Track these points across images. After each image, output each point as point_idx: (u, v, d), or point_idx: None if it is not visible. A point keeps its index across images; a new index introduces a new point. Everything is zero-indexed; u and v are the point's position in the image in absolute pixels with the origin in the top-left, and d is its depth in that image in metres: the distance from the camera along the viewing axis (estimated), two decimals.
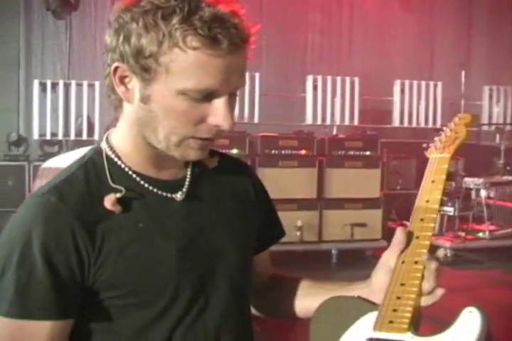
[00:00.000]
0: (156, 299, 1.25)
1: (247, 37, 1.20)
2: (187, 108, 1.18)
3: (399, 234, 1.29)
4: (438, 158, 1.44)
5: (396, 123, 9.73)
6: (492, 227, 7.47)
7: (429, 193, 1.36)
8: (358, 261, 6.84)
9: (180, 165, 1.35)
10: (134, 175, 1.28)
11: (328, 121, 9.18)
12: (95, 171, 1.27)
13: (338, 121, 9.24)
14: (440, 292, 1.24)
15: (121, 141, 1.30)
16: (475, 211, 7.54)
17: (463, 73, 9.94)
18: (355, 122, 9.43)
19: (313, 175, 6.95)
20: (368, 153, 7.27)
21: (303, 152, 7.06)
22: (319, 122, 8.97)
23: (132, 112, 1.25)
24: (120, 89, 1.22)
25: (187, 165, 1.36)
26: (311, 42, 10.68)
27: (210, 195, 1.38)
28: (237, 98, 1.28)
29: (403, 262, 1.28)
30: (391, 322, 1.20)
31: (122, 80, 1.22)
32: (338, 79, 9.31)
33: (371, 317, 1.24)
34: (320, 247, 6.94)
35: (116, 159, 1.29)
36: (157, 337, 1.27)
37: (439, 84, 9.88)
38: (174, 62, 1.16)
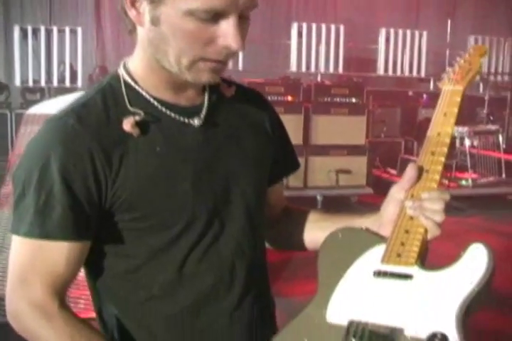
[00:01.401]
0: (173, 222, 1.26)
1: None
2: (194, 29, 1.16)
3: (410, 170, 1.27)
4: (451, 90, 1.38)
5: (380, 71, 9.69)
6: (475, 176, 7.56)
7: (441, 126, 1.32)
8: (342, 207, 6.92)
9: (197, 92, 1.34)
10: (152, 99, 1.28)
11: (312, 69, 9.14)
12: (113, 96, 1.27)
13: (322, 69, 9.18)
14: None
15: (138, 66, 1.29)
16: (458, 159, 7.59)
17: (449, 22, 9.89)
18: (340, 70, 9.37)
19: (299, 121, 6.96)
20: (353, 100, 7.28)
21: (289, 98, 7.05)
22: (304, 69, 8.93)
23: (144, 36, 1.24)
24: (132, 13, 1.22)
25: (204, 93, 1.35)
26: None
27: (228, 123, 1.37)
28: None
29: (412, 195, 1.26)
30: (399, 255, 1.20)
31: (133, 3, 1.21)
32: (324, 26, 9.23)
33: (379, 249, 1.24)
34: (305, 193, 6.99)
35: (133, 83, 1.28)
36: (172, 261, 1.28)
37: (425, 33, 9.82)
38: None
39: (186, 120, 1.30)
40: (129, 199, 1.22)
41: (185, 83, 1.27)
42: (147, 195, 1.24)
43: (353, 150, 7.17)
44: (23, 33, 8.00)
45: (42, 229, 1.19)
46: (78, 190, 1.19)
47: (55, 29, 8.18)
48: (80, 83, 8.31)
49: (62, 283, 1.24)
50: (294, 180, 6.77)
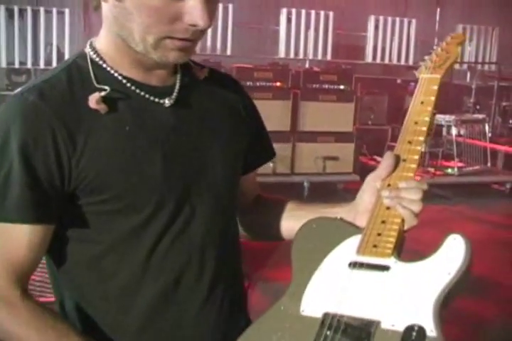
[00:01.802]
0: (140, 206, 1.20)
1: None
2: (160, 4, 1.11)
3: (388, 158, 1.24)
4: (428, 78, 1.36)
5: (369, 59, 9.69)
6: (460, 164, 7.60)
7: (418, 115, 1.30)
8: (329, 194, 6.93)
9: (169, 72, 1.28)
10: (120, 77, 1.22)
11: (300, 55, 9.13)
12: (79, 73, 1.21)
13: (311, 55, 9.17)
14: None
15: (104, 44, 1.24)
16: (444, 148, 7.62)
17: (438, 11, 9.90)
18: (328, 57, 9.36)
19: (287, 107, 6.96)
20: (342, 87, 7.28)
21: (278, 84, 7.03)
22: (292, 56, 8.91)
23: (109, 12, 1.18)
24: None
25: (176, 74, 1.30)
26: None
27: (200, 105, 1.32)
28: (210, 30, 1.21)
29: (389, 185, 1.23)
30: (375, 246, 1.17)
31: None
32: (313, 12, 9.21)
33: (354, 240, 1.21)
34: (292, 179, 7.01)
35: (100, 62, 1.22)
36: (139, 248, 1.22)
37: (413, 21, 9.83)
38: None
39: (157, 99, 1.24)
40: (94, 181, 1.16)
41: (154, 62, 1.22)
42: (114, 177, 1.17)
43: (340, 137, 7.17)
44: (9, 14, 7.89)
45: (0, 211, 1.13)
46: (38, 169, 1.13)
47: (41, 10, 8.09)
48: None
49: (24, 270, 1.17)
50: (281, 166, 6.76)
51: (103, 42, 1.24)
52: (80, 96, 1.18)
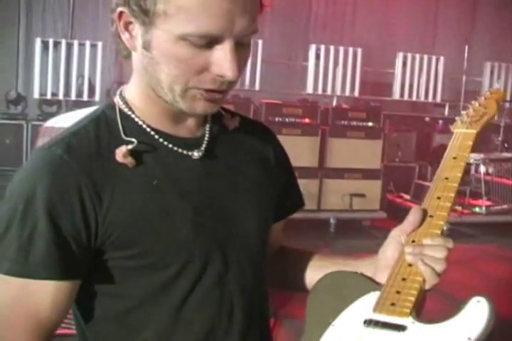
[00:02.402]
0: (169, 262, 1.17)
1: None
2: (188, 55, 1.08)
3: (414, 213, 1.20)
4: (463, 133, 1.34)
5: (396, 96, 9.72)
6: (488, 203, 7.54)
7: (450, 170, 1.27)
8: (355, 231, 6.92)
9: (198, 123, 1.26)
10: (148, 129, 1.20)
11: (328, 91, 9.18)
12: (107, 125, 1.19)
13: (338, 92, 9.23)
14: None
15: (134, 95, 1.22)
16: (472, 186, 7.59)
17: (466, 48, 9.92)
18: (356, 93, 9.42)
19: (315, 143, 6.98)
20: (370, 124, 7.29)
21: (306, 120, 7.07)
22: (320, 92, 8.96)
23: (138, 62, 1.16)
24: (125, 36, 1.14)
25: (205, 124, 1.28)
26: (315, 10, 10.61)
27: (230, 156, 1.29)
28: None
29: (413, 241, 1.18)
30: (393, 304, 1.11)
31: (127, 26, 1.13)
32: (341, 49, 9.27)
33: (373, 297, 1.15)
34: (319, 216, 6.97)
35: (129, 113, 1.21)
36: (169, 303, 1.19)
37: (441, 58, 9.86)
38: (172, 3, 1.05)
39: (185, 152, 1.21)
40: (121, 237, 1.13)
41: (184, 113, 1.20)
42: (141, 233, 1.14)
43: (367, 174, 7.17)
44: (44, 46, 8.07)
45: (24, 267, 1.09)
46: (64, 227, 1.09)
47: (75, 43, 8.25)
48: (97, 97, 8.37)
49: (47, 328, 1.13)
50: (308, 202, 6.64)
51: (133, 92, 1.23)
52: (107, 150, 1.15)
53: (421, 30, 10.89)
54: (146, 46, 1.12)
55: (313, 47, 8.85)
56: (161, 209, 1.16)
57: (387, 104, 9.26)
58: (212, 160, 1.25)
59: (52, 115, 7.12)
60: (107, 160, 1.14)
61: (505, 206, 7.64)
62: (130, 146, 1.15)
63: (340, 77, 9.22)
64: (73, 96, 8.27)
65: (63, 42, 8.16)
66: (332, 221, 6.84)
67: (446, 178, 1.26)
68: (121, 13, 1.12)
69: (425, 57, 9.83)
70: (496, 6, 11.24)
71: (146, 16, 1.08)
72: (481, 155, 7.41)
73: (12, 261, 1.09)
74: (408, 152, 8.24)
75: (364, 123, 7.26)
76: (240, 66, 1.11)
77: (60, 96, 8.19)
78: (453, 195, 1.24)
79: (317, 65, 8.81)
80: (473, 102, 1.43)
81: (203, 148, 1.24)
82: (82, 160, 1.12)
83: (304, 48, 9.27)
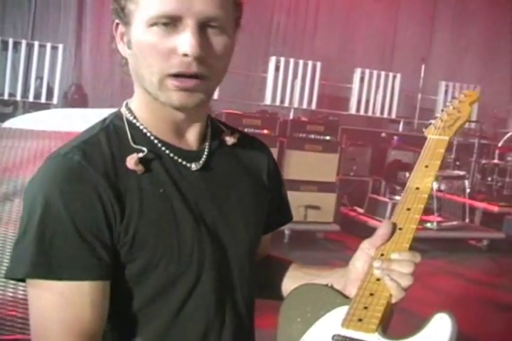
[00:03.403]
0: (169, 268, 1.21)
1: None
2: (157, 40, 1.15)
3: (384, 227, 1.22)
4: (436, 139, 1.32)
5: (353, 110, 9.87)
6: (439, 219, 7.68)
7: (421, 179, 1.27)
8: (309, 243, 6.99)
9: (198, 137, 1.31)
10: (152, 138, 1.25)
11: (286, 103, 9.27)
12: (116, 134, 1.24)
13: (296, 104, 9.33)
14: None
15: (137, 105, 1.28)
16: None
17: (423, 67, 10.13)
18: (313, 106, 9.53)
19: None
20: (328, 137, 7.38)
21: (265, 132, 7.12)
22: (278, 103, 9.06)
23: (130, 67, 1.24)
24: (120, 45, 1.24)
25: (206, 139, 1.33)
26: (276, 23, 10.72)
27: (226, 170, 1.35)
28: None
29: (382, 255, 1.19)
30: (360, 320, 1.12)
31: (122, 37, 1.23)
32: (301, 62, 9.38)
33: (341, 311, 1.16)
34: None
35: (135, 122, 1.26)
36: (169, 305, 1.23)
37: (398, 75, 10.04)
38: None
39: (185, 163, 1.27)
40: (130, 240, 1.17)
41: (184, 124, 1.27)
42: (147, 237, 1.18)
43: (323, 186, 7.24)
44: (4, 46, 7.96)
45: (48, 269, 1.11)
46: (88, 229, 1.12)
47: (36, 44, 8.17)
48: (55, 100, 8.29)
49: (92, 333, 1.14)
50: None
51: (136, 103, 1.29)
52: (119, 157, 1.20)
53: (380, 47, 11.10)
54: (129, 45, 1.21)
55: (273, 59, 8.94)
56: (166, 217, 1.21)
57: (342, 117, 9.39)
58: (210, 173, 1.30)
59: (7, 115, 7.05)
60: (118, 167, 1.19)
61: (455, 222, 7.80)
62: (141, 154, 1.20)
63: (298, 90, 9.33)
64: (31, 98, 8.17)
65: (23, 42, 8.07)
66: (286, 232, 6.90)
67: (417, 188, 1.26)
68: (117, 24, 1.23)
69: (382, 73, 10.00)
70: (452, 31, 11.54)
71: (125, 15, 1.19)
72: None
73: (33, 264, 1.10)
74: (363, 166, 8.36)
75: (322, 137, 7.34)
76: (212, 49, 1.17)
77: (18, 97, 8.09)
78: (422, 206, 1.23)
79: (276, 77, 8.91)
80: (448, 104, 1.41)
81: (201, 161, 1.29)
82: (99, 166, 1.16)
83: (264, 60, 9.36)
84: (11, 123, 5.73)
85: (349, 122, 9.25)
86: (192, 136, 1.30)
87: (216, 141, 1.35)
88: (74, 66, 9.43)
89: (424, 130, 1.36)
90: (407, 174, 7.75)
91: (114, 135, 1.24)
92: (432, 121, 1.37)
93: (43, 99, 8.20)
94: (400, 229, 1.21)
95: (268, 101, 8.88)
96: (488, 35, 11.81)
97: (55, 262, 1.11)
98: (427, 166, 1.28)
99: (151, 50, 1.16)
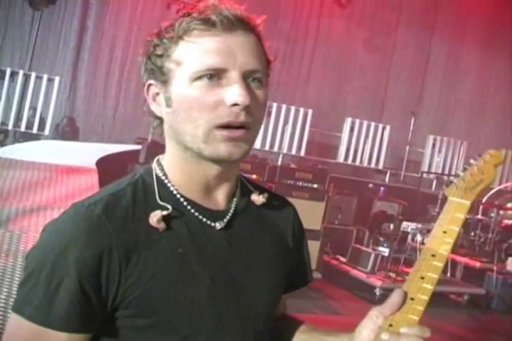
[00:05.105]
0: (178, 327, 1.20)
1: (243, 17, 1.23)
2: (201, 92, 1.18)
3: (396, 296, 1.18)
4: (457, 203, 1.26)
5: (341, 159, 9.98)
6: None
7: (438, 246, 1.22)
8: None
9: (227, 196, 1.32)
10: (178, 196, 1.26)
11: (275, 148, 9.36)
12: (144, 190, 1.25)
13: (285, 150, 9.42)
14: None
15: (168, 163, 1.29)
16: (407, 254, 7.74)
17: (412, 120, 10.29)
18: (302, 153, 9.63)
19: None
20: (315, 185, 7.42)
21: (254, 177, 7.16)
22: (267, 148, 9.14)
23: (167, 125, 1.27)
24: (153, 106, 1.27)
25: (233, 198, 1.34)
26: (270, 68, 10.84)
27: (250, 231, 1.34)
28: None
29: (391, 325, 1.16)
30: None
31: (154, 98, 1.26)
32: (292, 108, 9.51)
33: None
34: None
35: (164, 179, 1.27)
36: None
37: (388, 127, 10.19)
38: (181, 52, 1.20)
39: (210, 222, 1.26)
40: (139, 298, 1.16)
41: (214, 182, 1.28)
42: (158, 297, 1.17)
43: (308, 234, 6.92)
44: (1, 75, 8.04)
45: (46, 317, 1.12)
46: (90, 284, 1.13)
47: (33, 75, 8.24)
48: (47, 131, 8.33)
49: None
50: None
51: (167, 160, 1.30)
52: (142, 213, 1.20)
53: (371, 99, 11.25)
54: (168, 102, 1.23)
55: None
56: (181, 277, 1.20)
57: (329, 165, 9.46)
58: (233, 233, 1.30)
59: None
60: (140, 223, 1.19)
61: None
62: (165, 212, 1.21)
63: (288, 136, 9.42)
64: (23, 128, 8.21)
65: (20, 72, 8.14)
66: None
67: (433, 255, 1.21)
68: (149, 85, 1.27)
69: (372, 124, 10.15)
70: (442, 86, 11.75)
71: (164, 74, 1.23)
72: (419, 225, 7.60)
73: (36, 308, 1.12)
74: (348, 215, 8.37)
75: (310, 185, 7.39)
76: (255, 100, 1.21)
77: (10, 126, 8.13)
78: (437, 276, 1.19)
79: (267, 122, 8.99)
80: (472, 162, 1.33)
81: (226, 220, 1.29)
82: (118, 222, 1.17)
83: None
84: (0, 152, 5.75)
85: (334, 170, 9.31)
86: (221, 195, 1.31)
87: (244, 200, 1.36)
88: (68, 98, 9.48)
89: (444, 188, 1.31)
90: (392, 226, 7.85)
91: (141, 190, 1.25)
92: (454, 180, 1.31)
93: (34, 130, 8.26)
94: (412, 299, 1.17)
95: (257, 145, 8.91)
96: (476, 92, 12.05)
97: (54, 312, 1.12)
98: (445, 232, 1.23)
99: (196, 103, 1.18)
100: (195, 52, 1.19)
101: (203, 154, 1.21)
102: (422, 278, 1.19)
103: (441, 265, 1.20)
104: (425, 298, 1.17)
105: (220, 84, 1.19)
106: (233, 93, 1.17)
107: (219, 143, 1.19)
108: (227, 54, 1.19)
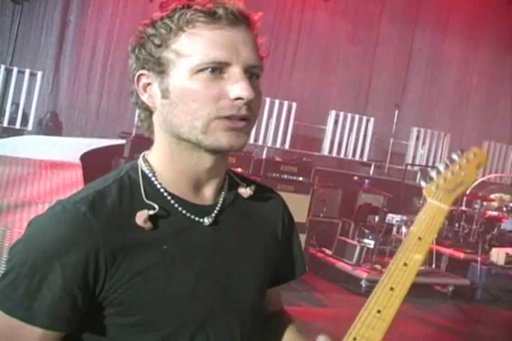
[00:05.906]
0: (161, 324, 1.19)
1: (246, 13, 1.23)
2: (203, 85, 1.17)
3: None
4: (436, 207, 1.22)
5: (325, 152, 10.01)
6: None
7: (411, 254, 1.18)
8: None
9: (215, 191, 1.31)
10: (166, 194, 1.24)
11: (260, 142, 9.35)
12: (130, 187, 1.23)
13: (269, 143, 9.41)
14: None
15: (156, 159, 1.28)
16: (392, 246, 7.77)
17: (396, 112, 10.32)
18: (286, 146, 9.64)
19: None
20: (300, 178, 7.42)
21: (239, 170, 7.15)
22: (252, 141, 9.13)
23: (159, 116, 1.25)
24: (144, 97, 1.25)
25: (221, 191, 1.33)
26: None
27: (239, 226, 1.33)
28: None
29: (355, 339, 1.14)
30: None
31: (145, 88, 1.24)
32: (277, 101, 9.51)
33: None
34: None
35: (151, 177, 1.26)
36: None
37: (372, 119, 10.23)
38: (182, 44, 1.19)
39: (197, 218, 1.25)
40: (123, 295, 1.16)
41: (204, 177, 1.27)
42: (142, 294, 1.17)
43: None
44: None
45: (27, 312, 1.10)
46: (74, 281, 1.12)
47: (15, 70, 8.18)
48: (30, 126, 8.28)
49: None
50: None
51: (155, 155, 1.28)
52: (128, 211, 1.19)
53: (355, 91, 11.26)
54: (165, 94, 1.21)
55: None
56: (165, 274, 1.19)
57: (314, 158, 9.47)
58: (222, 228, 1.29)
59: None
60: (126, 222, 1.18)
61: (421, 267, 7.85)
62: (151, 212, 1.19)
63: (272, 129, 9.43)
64: (5, 123, 8.15)
65: (2, 67, 8.08)
66: None
67: (405, 264, 1.17)
68: (139, 75, 1.25)
69: (356, 116, 10.18)
70: (426, 78, 11.78)
71: (161, 65, 1.21)
72: (404, 217, 7.64)
73: (17, 303, 1.11)
74: (333, 208, 8.40)
75: (295, 178, 7.38)
76: (255, 92, 1.19)
77: None
78: (407, 287, 1.16)
79: None
80: (454, 157, 1.28)
81: (213, 215, 1.28)
82: (104, 220, 1.15)
83: None
84: None
85: (319, 163, 9.32)
86: (209, 190, 1.30)
87: (232, 193, 1.35)
88: (50, 93, 9.41)
89: (422, 184, 1.25)
90: (377, 218, 7.88)
91: (127, 188, 1.23)
92: (433, 175, 1.25)
93: (17, 125, 8.20)
94: (379, 312, 1.14)
95: None
96: (459, 84, 12.09)
97: (36, 308, 1.11)
98: (420, 238, 1.19)
99: (197, 95, 1.18)
100: (199, 44, 1.19)
101: (203, 145, 1.20)
102: (392, 288, 1.16)
103: (412, 276, 1.17)
104: (393, 311, 1.15)
105: (222, 77, 1.19)
106: (238, 87, 1.17)
107: (220, 132, 1.19)
108: (231, 48, 1.19)
